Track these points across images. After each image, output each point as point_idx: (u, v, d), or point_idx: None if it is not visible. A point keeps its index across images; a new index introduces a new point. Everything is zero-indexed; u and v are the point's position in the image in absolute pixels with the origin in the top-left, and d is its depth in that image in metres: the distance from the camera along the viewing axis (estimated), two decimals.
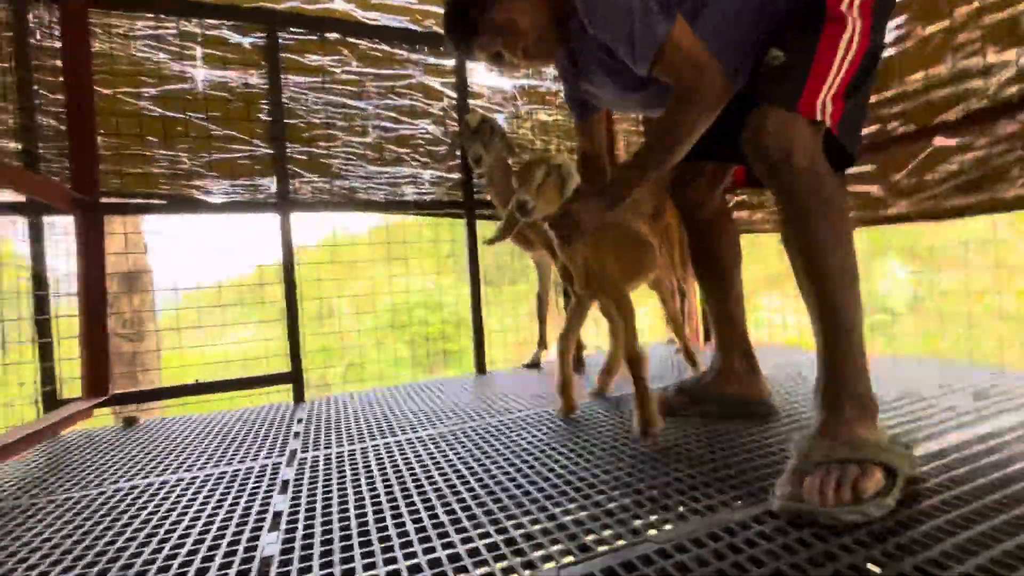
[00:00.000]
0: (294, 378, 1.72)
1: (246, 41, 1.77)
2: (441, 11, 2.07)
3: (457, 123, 2.01)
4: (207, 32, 1.73)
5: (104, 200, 1.59)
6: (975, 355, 1.75)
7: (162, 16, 1.67)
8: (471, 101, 2.07)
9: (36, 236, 1.49)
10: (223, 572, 0.69)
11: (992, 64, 1.40)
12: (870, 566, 0.59)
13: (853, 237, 0.86)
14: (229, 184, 1.74)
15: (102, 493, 1.01)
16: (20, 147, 1.49)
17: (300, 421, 1.46)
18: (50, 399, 1.49)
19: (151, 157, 1.66)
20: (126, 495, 1.00)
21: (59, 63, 1.56)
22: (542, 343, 2.03)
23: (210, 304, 1.93)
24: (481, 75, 2.12)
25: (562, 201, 1.05)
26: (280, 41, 1.79)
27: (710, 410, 1.20)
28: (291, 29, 1.82)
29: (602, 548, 0.67)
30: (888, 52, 1.61)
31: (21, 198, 1.48)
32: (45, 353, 1.48)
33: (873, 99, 1.63)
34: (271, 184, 1.78)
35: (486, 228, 2.09)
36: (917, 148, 1.59)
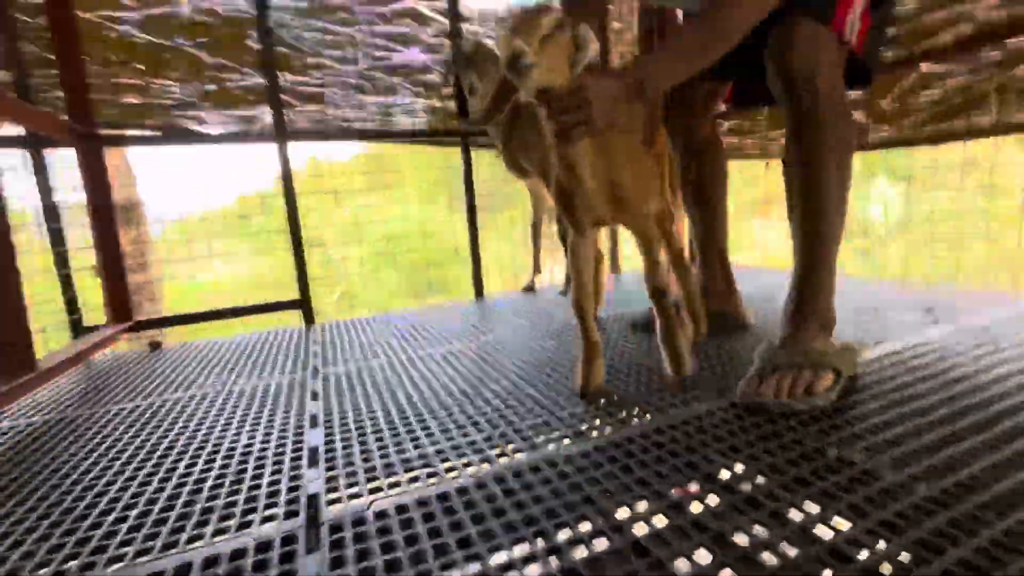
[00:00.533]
0: (304, 302, 1.82)
1: None
2: None
3: (451, 49, 1.98)
4: None
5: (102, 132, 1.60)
6: (958, 277, 1.86)
7: None
8: (464, 25, 2.03)
9: (40, 169, 1.52)
10: (280, 456, 0.83)
11: None
12: (807, 442, 0.74)
13: (851, 164, 0.91)
14: (223, 114, 1.74)
15: (151, 404, 1.14)
16: (12, 77, 1.47)
17: (315, 342, 1.59)
18: (76, 327, 1.58)
19: (142, 87, 1.65)
20: (173, 404, 1.13)
21: None
22: (536, 269, 2.14)
23: (199, 234, 2.00)
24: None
25: (571, 74, 0.75)
26: None
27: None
28: None
29: (594, 434, 0.82)
30: None
31: (20, 131, 1.48)
32: (67, 283, 1.56)
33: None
34: (262, 113, 1.78)
35: (482, 156, 2.12)
36: (904, 74, 1.63)
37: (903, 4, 1.54)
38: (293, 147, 1.93)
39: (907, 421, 0.77)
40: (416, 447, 0.83)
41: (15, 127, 1.48)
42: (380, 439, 0.87)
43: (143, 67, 1.64)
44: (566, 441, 0.80)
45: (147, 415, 1.08)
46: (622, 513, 0.60)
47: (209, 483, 0.77)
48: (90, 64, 1.57)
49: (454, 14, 1.97)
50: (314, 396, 1.12)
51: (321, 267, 2.42)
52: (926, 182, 1.97)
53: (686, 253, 1.22)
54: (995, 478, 0.61)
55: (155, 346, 1.67)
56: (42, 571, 0.60)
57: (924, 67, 1.55)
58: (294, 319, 1.92)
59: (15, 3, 1.48)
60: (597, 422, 0.86)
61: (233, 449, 0.88)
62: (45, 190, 1.53)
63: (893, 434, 0.74)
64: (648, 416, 0.86)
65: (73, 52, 1.52)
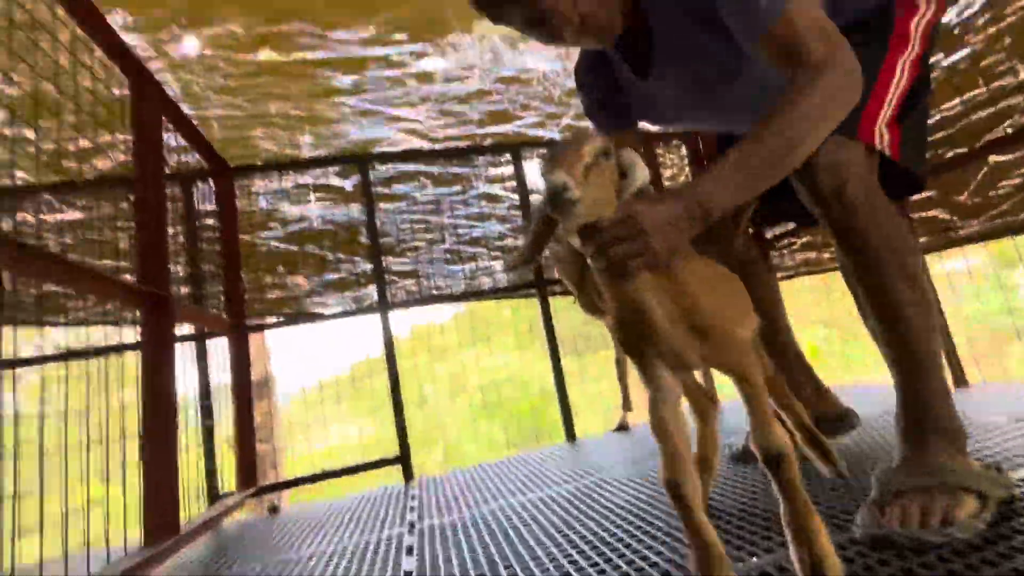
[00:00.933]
0: (403, 459, 1.91)
1: (347, 184, 2.21)
2: (493, 132, 2.45)
3: (525, 217, 2.29)
4: (317, 181, 2.19)
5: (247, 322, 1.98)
6: None
7: (284, 173, 2.15)
8: (533, 196, 2.36)
9: (202, 356, 1.87)
10: None
11: None
12: None
13: (921, 264, 0.87)
14: (339, 297, 2.10)
15: (268, 563, 1.22)
16: (189, 290, 1.92)
17: (413, 497, 1.63)
18: (212, 494, 1.78)
19: (281, 284, 2.07)
20: (287, 565, 1.20)
21: (209, 221, 2.03)
22: (626, 405, 2.09)
23: (317, 403, 2.24)
24: (534, 171, 2.43)
25: (619, 202, 0.65)
26: (371, 177, 2.21)
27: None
28: (377, 165, 2.24)
29: None
30: None
31: (191, 329, 1.89)
32: (210, 455, 1.80)
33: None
34: (372, 292, 2.12)
35: (559, 302, 2.27)
36: (973, 169, 1.61)
37: (946, 110, 1.58)
38: (395, 316, 2.23)
39: None
40: None
41: (188, 327, 1.88)
42: None
43: (282, 268, 2.09)
44: None
45: (273, 572, 1.15)
46: None
47: None
48: (245, 273, 2.03)
49: (522, 189, 2.31)
50: (409, 551, 1.13)
51: (424, 422, 2.53)
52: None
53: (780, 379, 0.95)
54: None
55: (273, 510, 1.81)
56: None
57: (991, 159, 1.52)
58: (397, 476, 2.00)
59: (200, 236, 2.01)
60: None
61: None
62: (205, 373, 1.87)
63: None
64: (754, 558, 0.78)
65: (236, 268, 1.97)
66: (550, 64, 2.64)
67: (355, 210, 2.17)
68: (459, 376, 2.56)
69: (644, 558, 0.86)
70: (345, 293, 2.11)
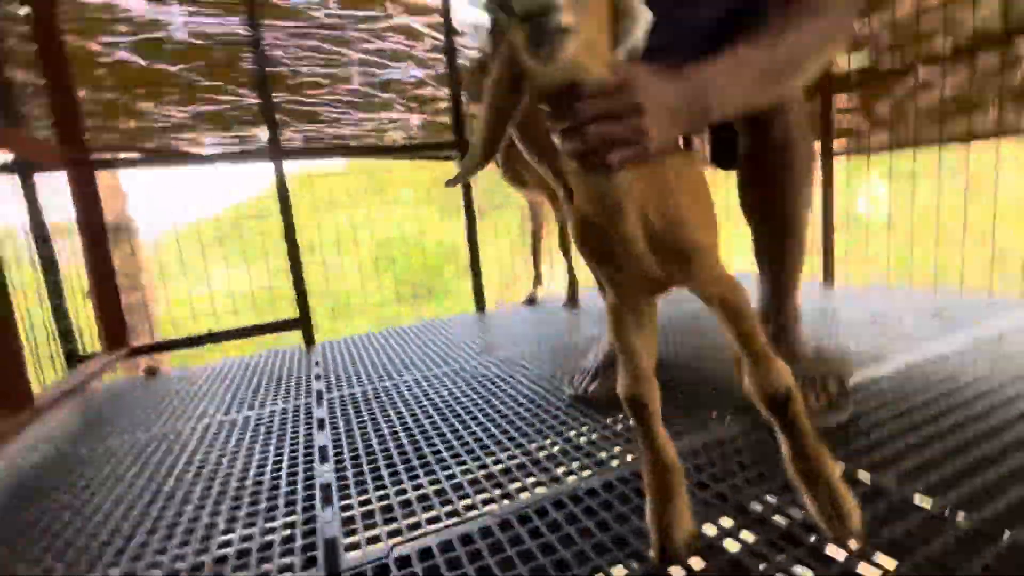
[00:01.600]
0: (303, 321, 1.79)
1: None
2: None
3: (445, 65, 1.97)
4: None
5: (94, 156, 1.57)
6: (940, 274, 1.88)
7: None
8: (458, 39, 2.01)
9: (30, 195, 1.48)
10: (292, 494, 0.81)
11: None
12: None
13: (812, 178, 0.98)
14: (220, 136, 1.72)
15: (152, 437, 1.11)
16: None
17: (317, 364, 1.56)
18: (71, 357, 1.54)
19: (137, 111, 1.62)
20: (175, 437, 1.09)
21: (22, 11, 1.47)
22: (538, 279, 2.12)
23: (192, 246, 1.98)
24: (464, 12, 2.05)
25: (612, 54, 0.46)
26: None
27: None
28: None
29: (615, 463, 0.80)
30: None
31: (9, 157, 1.45)
32: (60, 313, 1.52)
33: (867, 30, 1.65)
34: (260, 133, 1.76)
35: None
36: (904, 81, 1.64)
37: (899, 9, 1.55)
38: (288, 163, 1.92)
39: (909, 434, 0.76)
40: (432, 481, 0.80)
41: (3, 153, 1.44)
42: (394, 472, 0.85)
43: (139, 91, 1.62)
44: (586, 473, 0.78)
45: (148, 450, 1.05)
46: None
47: (221, 526, 0.74)
48: (87, 91, 1.55)
49: (448, 28, 1.96)
50: (320, 425, 1.09)
51: (316, 276, 2.37)
52: (912, 182, 1.98)
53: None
54: (1003, 489, 0.60)
55: (151, 372, 1.64)
56: None
57: (922, 72, 1.55)
58: (294, 338, 1.89)
59: (6, 31, 1.45)
60: (617, 449, 0.84)
61: (242, 487, 0.85)
62: (36, 216, 1.49)
63: (896, 449, 0.72)
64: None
65: (62, 78, 1.49)
66: None
67: (236, 26, 1.69)
68: (349, 230, 2.37)
69: (567, 439, 0.89)
70: (224, 133, 1.72)
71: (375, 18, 1.93)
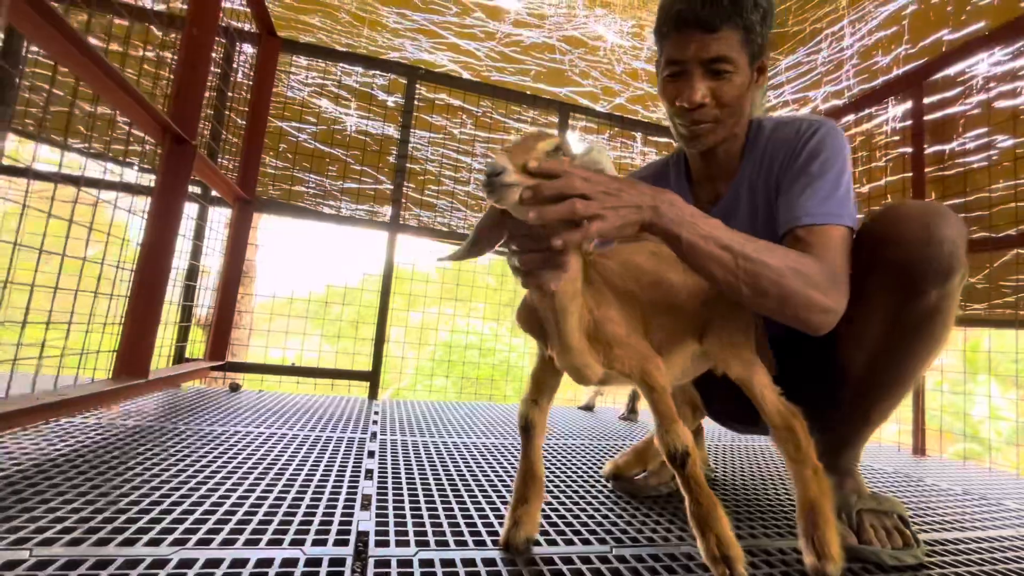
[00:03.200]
0: (373, 375, 1.92)
1: (389, 99, 2.16)
2: (544, 90, 2.39)
3: None
4: (360, 87, 2.13)
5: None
6: None
7: (326, 64, 2.08)
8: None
9: (202, 218, 1.83)
10: (335, 495, 0.86)
11: None
12: None
13: None
14: (353, 207, 2.07)
15: (228, 431, 1.23)
16: (206, 152, 1.86)
17: (376, 412, 1.65)
18: (180, 357, 1.77)
19: (301, 179, 2.03)
20: (246, 435, 1.20)
21: (244, 94, 1.96)
22: (598, 388, 2.13)
23: (284, 313, 2.21)
24: (576, 141, 2.39)
25: None
26: (415, 102, 2.15)
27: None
28: (422, 86, 2.18)
29: (627, 540, 0.78)
30: (974, 161, 1.70)
31: (197, 189, 1.84)
32: (186, 315, 1.78)
33: (954, 203, 1.70)
34: (385, 212, 2.09)
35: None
36: (996, 255, 1.63)
37: (994, 191, 1.60)
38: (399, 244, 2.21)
39: None
40: (464, 514, 0.83)
41: (197, 186, 1.83)
42: (430, 500, 0.88)
43: (307, 164, 2.05)
44: (589, 547, 0.77)
45: (223, 439, 1.16)
46: None
47: (270, 500, 0.81)
48: (269, 156, 1.99)
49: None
50: (371, 454, 1.15)
51: (385, 363, 2.48)
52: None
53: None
54: None
55: (235, 388, 1.81)
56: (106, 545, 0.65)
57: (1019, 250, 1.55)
58: (359, 391, 2.01)
59: (230, 105, 1.94)
60: (644, 528, 0.82)
61: (293, 480, 0.92)
62: (200, 233, 1.83)
63: None
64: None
65: (258, 142, 1.91)
66: (621, 39, 2.58)
67: (391, 129, 2.13)
68: (427, 327, 2.53)
69: (576, 517, 0.88)
70: (359, 205, 2.08)
71: (501, 140, 2.30)
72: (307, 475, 0.96)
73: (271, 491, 0.85)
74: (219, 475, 0.91)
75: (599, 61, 2.53)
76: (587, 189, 0.57)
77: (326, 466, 1.02)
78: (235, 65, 1.92)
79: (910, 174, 1.83)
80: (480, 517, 0.82)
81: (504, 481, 1.03)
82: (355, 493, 0.89)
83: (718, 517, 0.64)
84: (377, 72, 2.12)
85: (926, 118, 1.84)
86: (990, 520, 1.07)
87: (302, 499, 0.83)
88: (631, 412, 1.97)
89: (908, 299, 0.73)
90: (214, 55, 1.50)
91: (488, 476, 1.06)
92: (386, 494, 0.89)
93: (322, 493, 0.87)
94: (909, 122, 1.88)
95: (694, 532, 0.65)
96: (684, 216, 0.63)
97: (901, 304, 0.74)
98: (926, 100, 1.85)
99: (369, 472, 1.02)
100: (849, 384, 0.84)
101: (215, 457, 1.01)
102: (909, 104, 1.89)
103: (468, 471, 1.08)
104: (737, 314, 0.80)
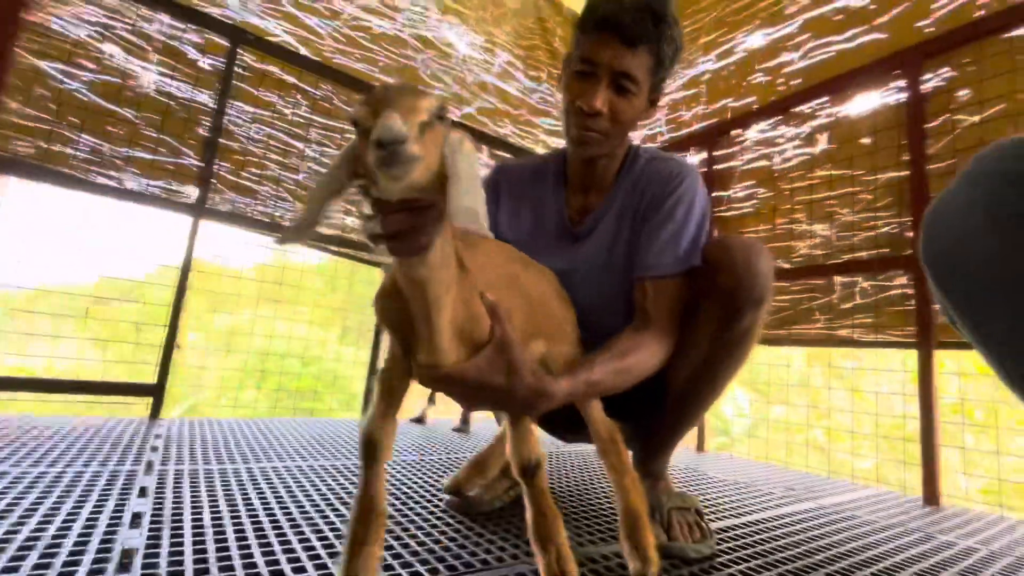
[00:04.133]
0: (157, 389, 1.56)
1: (205, 61, 1.80)
2: (389, 78, 2.28)
3: None
4: (167, 40, 1.74)
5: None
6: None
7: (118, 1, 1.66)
8: None
9: None
10: (77, 558, 0.64)
11: (806, 231, 1.87)
12: None
13: None
14: (145, 182, 1.67)
15: None
16: None
17: (158, 436, 1.33)
18: None
19: (68, 137, 1.56)
20: None
21: None
22: (431, 398, 2.06)
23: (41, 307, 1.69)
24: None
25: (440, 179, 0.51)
26: (236, 70, 1.85)
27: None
28: (247, 52, 1.89)
29: (479, 565, 0.74)
30: (745, 207, 2.07)
31: None
32: None
33: None
34: (188, 192, 1.73)
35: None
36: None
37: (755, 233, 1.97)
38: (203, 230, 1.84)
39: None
40: (271, 569, 0.68)
41: None
42: (223, 553, 0.71)
43: (76, 120, 1.58)
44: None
45: None
46: None
47: None
48: (17, 102, 1.49)
49: None
50: (142, 492, 0.90)
51: (180, 371, 2.04)
52: (774, 394, 2.30)
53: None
54: None
55: None
56: None
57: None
58: (137, 409, 1.62)
59: None
60: (490, 556, 0.78)
61: (32, 541, 0.66)
62: None
63: None
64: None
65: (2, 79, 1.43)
66: (472, 51, 2.60)
67: (204, 95, 1.77)
68: (238, 332, 2.18)
69: (401, 544, 0.81)
70: (151, 180, 1.66)
71: (341, 128, 2.11)
72: (37, 527, 0.70)
73: None
74: None
75: (451, 67, 2.51)
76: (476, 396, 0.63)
77: (69, 514, 0.77)
78: None
79: None
80: (294, 571, 0.68)
81: (328, 517, 0.89)
82: (109, 548, 0.67)
83: (559, 530, 0.64)
84: (190, 25, 1.77)
85: (714, 167, 2.22)
86: (753, 506, 1.27)
87: (24, 563, 0.59)
88: (464, 423, 1.95)
89: (730, 321, 0.82)
90: None
91: (307, 512, 0.91)
92: (159, 547, 0.69)
93: (57, 551, 0.64)
94: (704, 170, 2.24)
95: (534, 547, 0.64)
96: (560, 399, 0.68)
97: (724, 326, 0.83)
98: (715, 153, 2.23)
99: (136, 517, 0.79)
100: (669, 395, 0.92)
101: None
102: (704, 155, 2.26)
103: (280, 506, 0.91)
104: (568, 328, 0.84)
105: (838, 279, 1.76)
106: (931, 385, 1.49)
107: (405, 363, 0.62)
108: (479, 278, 0.61)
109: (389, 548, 0.77)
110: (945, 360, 1.51)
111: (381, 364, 0.66)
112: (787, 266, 1.89)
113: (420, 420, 2.03)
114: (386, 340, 0.67)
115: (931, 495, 1.45)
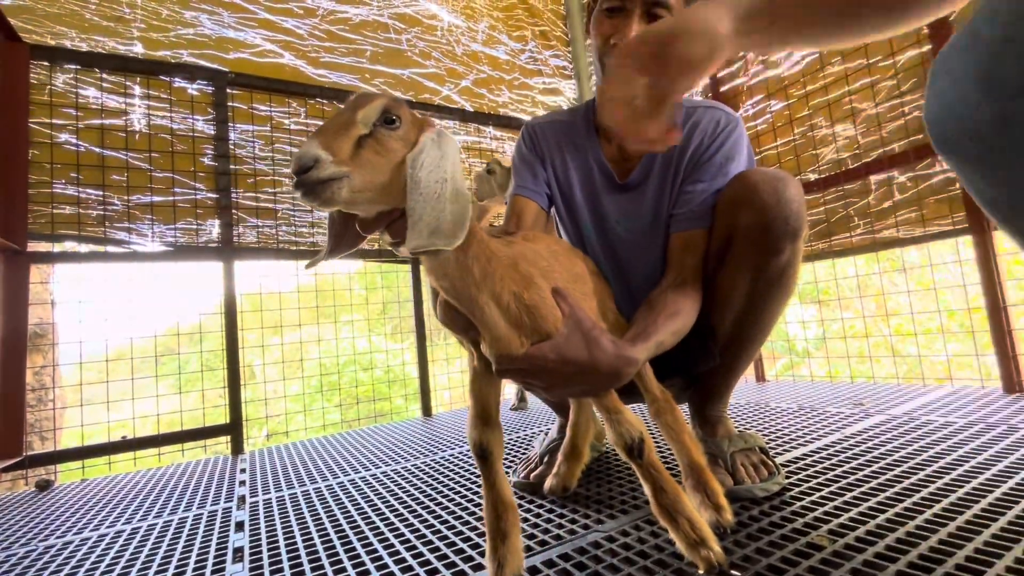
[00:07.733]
0: (234, 427, 1.67)
1: (192, 88, 1.81)
2: (385, 72, 2.25)
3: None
4: (150, 76, 1.74)
5: (30, 249, 1.53)
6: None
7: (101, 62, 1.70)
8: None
9: None
10: None
11: (828, 135, 1.77)
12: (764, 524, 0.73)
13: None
14: (167, 228, 1.71)
15: (30, 552, 0.95)
16: None
17: (243, 471, 1.43)
18: None
19: (78, 197, 1.60)
20: (59, 551, 0.95)
21: None
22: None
23: (115, 373, 1.80)
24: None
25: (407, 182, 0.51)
26: (229, 91, 1.85)
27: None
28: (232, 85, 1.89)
29: (553, 541, 0.77)
30: (754, 125, 1.97)
31: None
32: None
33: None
34: (212, 228, 1.77)
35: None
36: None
37: (766, 148, 1.87)
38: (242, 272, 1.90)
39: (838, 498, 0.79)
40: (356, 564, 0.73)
41: None
42: (318, 568, 0.76)
43: (81, 176, 1.60)
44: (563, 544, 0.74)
45: (26, 567, 0.89)
46: None
47: None
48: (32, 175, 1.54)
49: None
50: (239, 527, 0.98)
51: (253, 404, 2.16)
52: (842, 299, 2.21)
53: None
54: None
55: (44, 486, 1.44)
56: None
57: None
58: (220, 449, 1.74)
59: None
60: (562, 531, 0.81)
61: None
62: None
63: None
64: (606, 521, 0.83)
65: (21, 170, 1.50)
66: (454, 17, 2.52)
67: (200, 121, 1.78)
68: (295, 353, 2.27)
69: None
70: (175, 224, 1.70)
71: None
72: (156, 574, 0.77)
73: None
74: None
75: (438, 42, 2.44)
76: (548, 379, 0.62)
77: (180, 560, 0.84)
78: None
79: None
80: (376, 569, 0.73)
81: (407, 520, 0.94)
82: None
83: (684, 502, 0.64)
84: (178, 79, 1.78)
85: (720, 90, 2.10)
86: (822, 430, 1.26)
87: None
88: (520, 400, 1.98)
89: (769, 257, 0.79)
90: None
91: (417, 513, 0.96)
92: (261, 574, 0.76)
93: None
94: (710, 94, 2.13)
95: (662, 521, 0.64)
96: (642, 362, 0.69)
97: (763, 263, 0.80)
98: (718, 75, 2.11)
99: (238, 552, 0.86)
100: (719, 341, 0.91)
101: None
102: (707, 79, 2.15)
103: (380, 517, 0.97)
104: (610, 304, 0.87)
105: (873, 178, 1.66)
106: (992, 267, 1.40)
107: (484, 363, 0.64)
108: (530, 268, 0.62)
109: (474, 529, 0.81)
110: (1005, 242, 1.42)
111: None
112: (814, 177, 1.80)
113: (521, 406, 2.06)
114: (464, 351, 0.70)
115: (1010, 382, 1.39)
